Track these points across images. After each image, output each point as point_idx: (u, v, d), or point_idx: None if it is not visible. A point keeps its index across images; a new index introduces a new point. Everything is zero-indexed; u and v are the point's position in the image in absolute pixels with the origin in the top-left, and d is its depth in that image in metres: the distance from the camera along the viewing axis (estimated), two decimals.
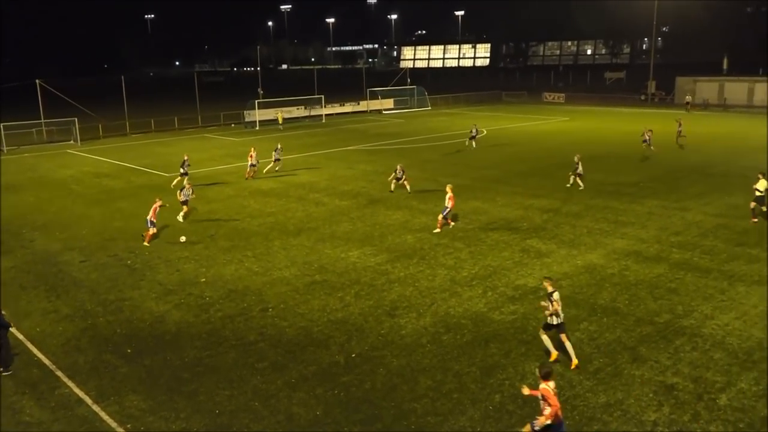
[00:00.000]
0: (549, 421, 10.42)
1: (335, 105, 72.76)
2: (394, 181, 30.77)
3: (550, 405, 10.39)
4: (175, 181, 33.81)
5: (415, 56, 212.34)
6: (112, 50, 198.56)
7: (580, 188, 30.51)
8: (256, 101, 63.45)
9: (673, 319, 16.29)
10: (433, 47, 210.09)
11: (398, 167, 31.13)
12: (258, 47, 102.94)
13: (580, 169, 31.00)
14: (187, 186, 27.06)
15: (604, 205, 27.56)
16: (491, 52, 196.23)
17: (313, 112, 67.60)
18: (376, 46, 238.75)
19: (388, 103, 76.47)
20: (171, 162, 41.96)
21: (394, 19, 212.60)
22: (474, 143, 44.44)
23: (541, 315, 16.50)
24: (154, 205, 23.75)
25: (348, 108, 73.57)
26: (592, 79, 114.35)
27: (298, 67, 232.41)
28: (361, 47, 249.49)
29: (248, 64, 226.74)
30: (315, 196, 30.86)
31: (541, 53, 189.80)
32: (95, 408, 13.10)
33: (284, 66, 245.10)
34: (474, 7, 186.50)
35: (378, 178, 34.58)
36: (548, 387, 10.52)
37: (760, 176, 24.56)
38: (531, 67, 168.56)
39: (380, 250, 22.08)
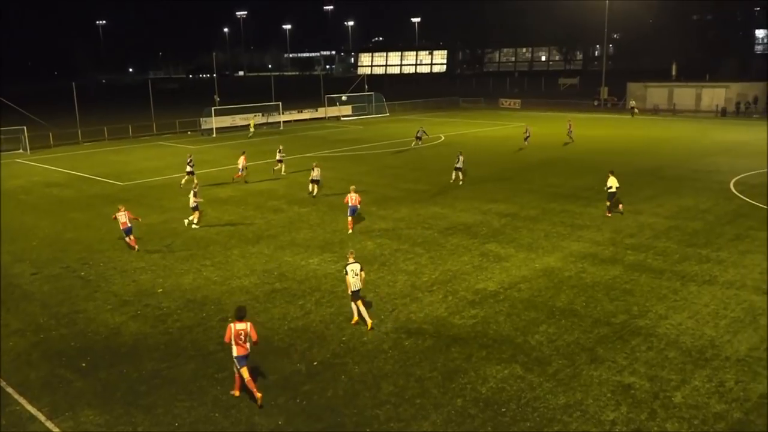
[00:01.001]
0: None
1: (293, 112, 72.41)
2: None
3: (251, 340, 13.17)
4: (183, 181, 34.85)
5: (372, 63, 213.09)
6: (62, 56, 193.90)
7: (461, 183, 32.90)
8: (213, 108, 62.88)
9: (629, 319, 16.65)
10: (391, 54, 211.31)
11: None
12: (214, 54, 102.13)
13: (460, 163, 33.54)
14: (196, 187, 26.93)
15: (561, 208, 28.03)
16: (448, 59, 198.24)
17: (271, 119, 67.18)
18: (334, 52, 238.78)
19: (347, 109, 76.48)
20: (126, 170, 41.16)
21: (351, 26, 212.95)
22: (419, 143, 47.14)
23: (502, 318, 16.75)
24: (117, 214, 23.22)
25: (306, 115, 73.30)
26: (547, 85, 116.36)
27: (255, 74, 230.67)
28: (318, 54, 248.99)
29: (204, 71, 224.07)
30: (274, 203, 30.62)
31: (497, 60, 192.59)
32: (48, 425, 12.71)
33: (241, 73, 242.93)
34: (430, 14, 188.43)
35: (338, 185, 34.52)
36: (245, 326, 13.16)
37: (610, 174, 26.91)
38: (487, 73, 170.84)
39: (341, 256, 22.02)
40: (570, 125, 50.31)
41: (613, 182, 26.65)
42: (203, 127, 63.10)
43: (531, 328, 16.20)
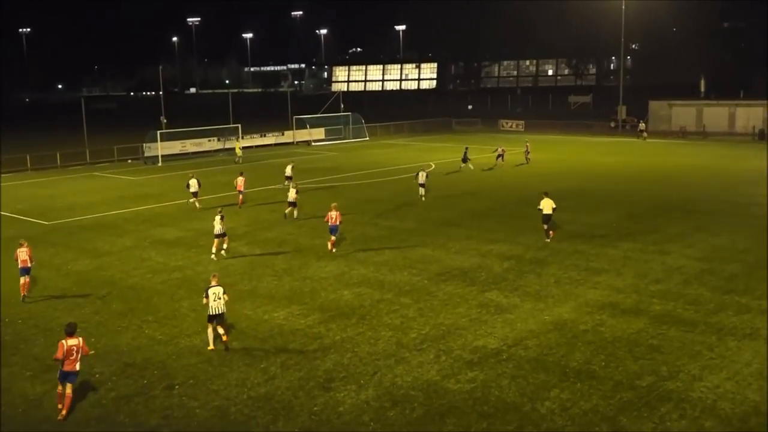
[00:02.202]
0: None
1: (255, 136, 72.72)
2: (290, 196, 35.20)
3: (81, 353, 15.76)
4: (192, 203, 38.97)
5: (349, 78, 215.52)
6: None
7: (423, 199, 36.40)
8: (158, 132, 63.04)
9: (656, 381, 16.66)
10: (371, 67, 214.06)
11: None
12: (160, 67, 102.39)
13: (422, 179, 38.21)
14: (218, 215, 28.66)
15: (573, 249, 28.23)
16: (438, 73, 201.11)
17: (228, 145, 67.42)
18: (303, 66, 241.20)
19: (319, 133, 76.99)
20: (52, 207, 40.91)
21: (324, 35, 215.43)
22: (469, 166, 50.52)
23: (505, 381, 16.71)
24: (18, 250, 23.62)
25: (270, 139, 73.67)
26: (555, 104, 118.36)
27: (210, 91, 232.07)
28: (285, 67, 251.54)
29: (148, 88, 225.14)
30: (232, 245, 30.50)
31: (496, 74, 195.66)
32: None
33: (192, 90, 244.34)
34: (417, 21, 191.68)
35: (308, 223, 34.49)
36: (77, 341, 15.77)
37: (544, 195, 29.73)
38: (485, 90, 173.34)
39: (311, 308, 21.93)
40: (528, 147, 55.70)
41: (546, 204, 29.43)
42: (147, 154, 63.15)
43: (540, 393, 16.13)
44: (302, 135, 76.04)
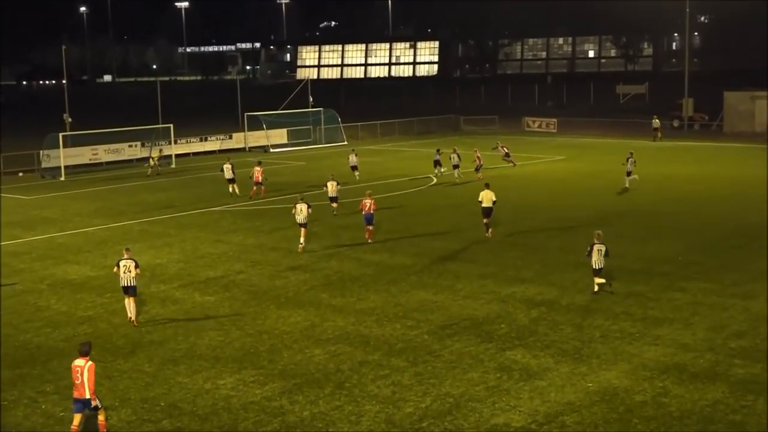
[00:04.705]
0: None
1: (192, 140, 72.59)
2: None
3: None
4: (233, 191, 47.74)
5: (320, 61, 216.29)
6: None
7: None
8: (61, 135, 62.57)
9: None
10: (349, 47, 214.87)
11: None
12: (63, 47, 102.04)
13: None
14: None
15: (626, 291, 28.21)
16: (441, 55, 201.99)
17: (161, 152, 67.21)
18: (258, 45, 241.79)
19: (279, 135, 76.99)
20: None
21: (286, 4, 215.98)
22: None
23: None
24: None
25: (213, 144, 73.51)
26: (599, 95, 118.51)
27: (131, 80, 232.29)
28: (233, 47, 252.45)
29: (46, 75, 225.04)
30: (160, 288, 30.31)
31: (518, 55, 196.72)
32: None
33: (107, 77, 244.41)
34: None
35: (266, 257, 34.28)
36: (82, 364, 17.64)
37: (485, 186, 36.51)
38: (503, 77, 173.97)
39: (270, 374, 21.78)
40: (503, 147, 59.71)
41: (485, 197, 35.76)
42: (45, 164, 62.82)
43: None
44: (257, 138, 75.99)
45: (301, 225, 35.18)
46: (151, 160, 61.81)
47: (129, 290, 26.07)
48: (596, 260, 27.69)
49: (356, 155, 55.75)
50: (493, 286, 29.29)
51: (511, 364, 22.10)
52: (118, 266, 26.00)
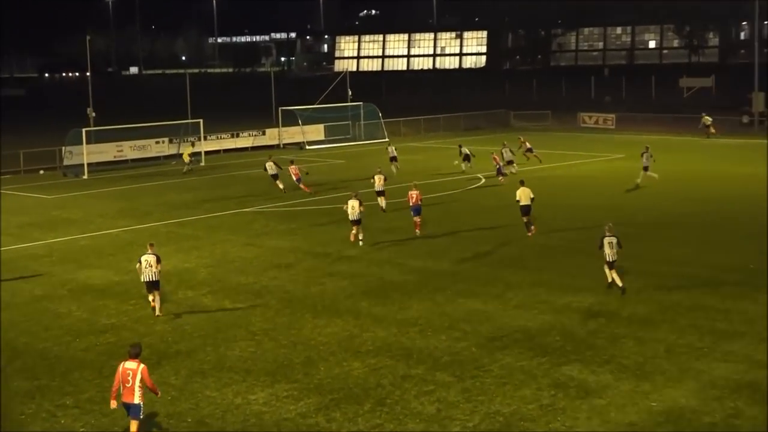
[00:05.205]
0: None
1: (223, 136, 72.95)
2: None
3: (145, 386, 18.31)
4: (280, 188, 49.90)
5: (359, 53, 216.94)
6: None
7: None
8: (84, 130, 63.12)
9: None
10: (391, 38, 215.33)
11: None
12: (87, 38, 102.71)
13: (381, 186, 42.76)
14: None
15: (692, 303, 27.85)
16: (489, 46, 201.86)
17: (185, 149, 67.54)
18: (293, 35, 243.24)
19: (315, 131, 77.16)
20: None
21: None
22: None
23: None
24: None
25: (245, 141, 73.85)
26: (660, 89, 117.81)
27: (159, 72, 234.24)
28: (267, 38, 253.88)
29: (69, 67, 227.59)
30: (188, 294, 30.41)
31: (573, 46, 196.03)
32: None
33: (134, 69, 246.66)
34: None
35: (301, 262, 34.27)
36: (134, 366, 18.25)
37: (519, 184, 37.86)
38: (556, 69, 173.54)
39: (306, 389, 21.70)
40: (523, 142, 60.92)
41: (523, 194, 36.83)
42: (67, 162, 63.46)
43: None
44: (292, 134, 76.28)
45: (353, 222, 36.48)
46: (184, 156, 62.05)
47: (152, 285, 27.66)
48: (608, 253, 28.92)
49: (394, 147, 57.59)
50: (547, 295, 29.04)
51: (566, 381, 21.86)
52: (140, 262, 27.43)
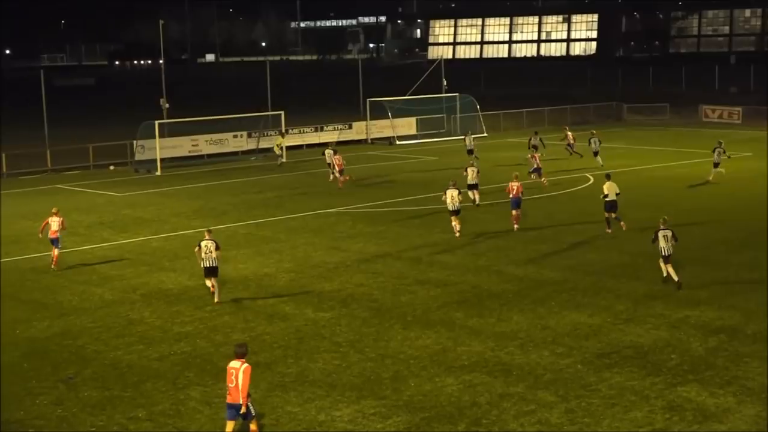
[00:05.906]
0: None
1: (306, 130, 73.42)
2: None
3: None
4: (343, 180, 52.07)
5: (455, 38, 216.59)
6: None
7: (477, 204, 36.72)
8: (156, 123, 63.94)
9: None
10: (490, 22, 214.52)
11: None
12: (160, 23, 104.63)
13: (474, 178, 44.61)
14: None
15: None
16: (600, 31, 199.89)
17: (265, 143, 68.17)
18: (383, 19, 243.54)
19: (407, 125, 77.28)
20: None
21: None
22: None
23: None
24: (49, 219, 34.16)
25: (330, 135, 74.05)
26: None
27: (238, 59, 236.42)
28: (354, 22, 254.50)
29: (141, 54, 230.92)
30: (268, 302, 30.73)
31: (695, 31, 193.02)
32: None
33: (210, 57, 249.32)
34: None
35: (389, 268, 34.42)
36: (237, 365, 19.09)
37: (606, 179, 39.82)
38: (676, 56, 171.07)
39: (395, 406, 21.81)
40: (569, 135, 62.83)
41: (610, 189, 38.58)
42: (139, 156, 64.44)
43: None
44: (381, 128, 76.51)
45: (452, 213, 38.61)
46: (276, 148, 62.74)
47: (210, 272, 30.11)
48: (663, 246, 30.70)
49: (473, 137, 59.42)
50: (662, 309, 28.81)
51: (683, 403, 21.68)
52: (200, 247, 29.92)
